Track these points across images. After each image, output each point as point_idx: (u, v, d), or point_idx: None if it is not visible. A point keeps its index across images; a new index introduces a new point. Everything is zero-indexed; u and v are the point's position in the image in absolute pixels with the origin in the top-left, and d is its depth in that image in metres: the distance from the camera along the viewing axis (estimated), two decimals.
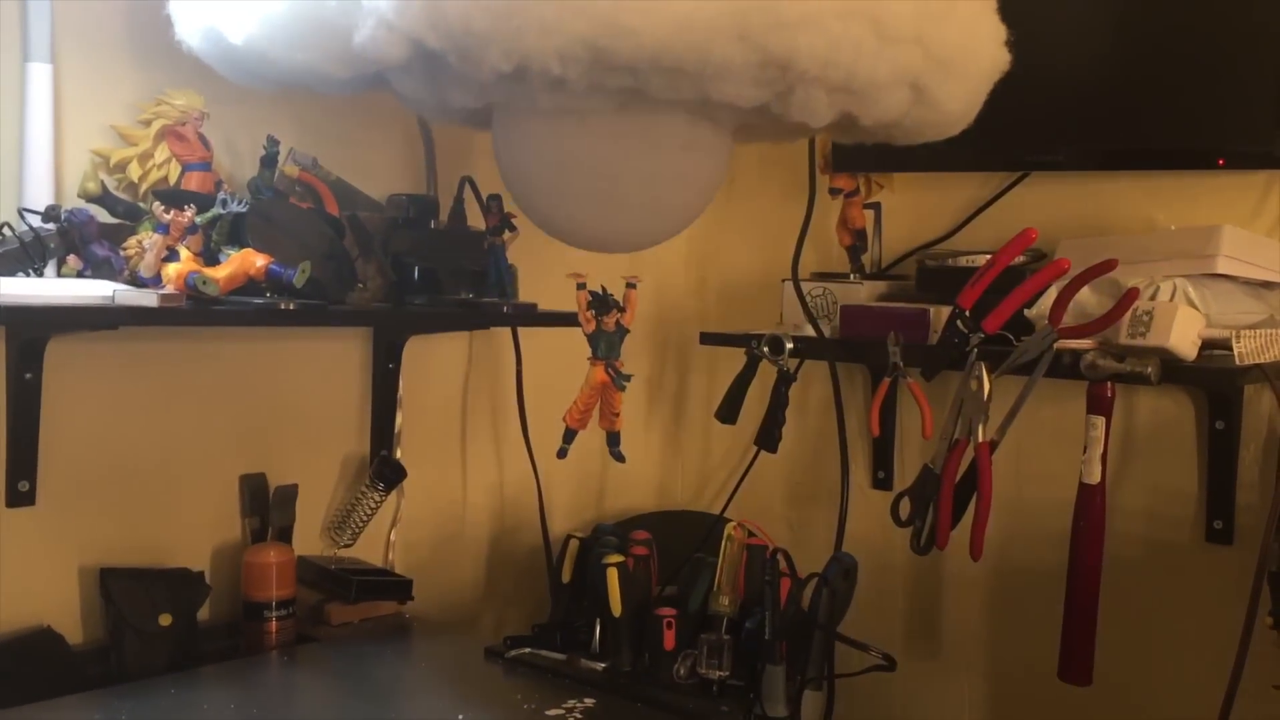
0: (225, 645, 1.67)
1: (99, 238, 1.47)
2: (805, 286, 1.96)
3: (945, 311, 1.70)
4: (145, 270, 1.45)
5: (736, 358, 1.86)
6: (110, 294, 1.38)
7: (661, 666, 1.65)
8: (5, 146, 1.49)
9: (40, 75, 1.50)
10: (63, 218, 1.44)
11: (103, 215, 1.50)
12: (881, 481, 2.07)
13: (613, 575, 1.67)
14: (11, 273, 1.40)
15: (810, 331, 1.92)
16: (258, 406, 1.77)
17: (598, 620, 1.71)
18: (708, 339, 2.07)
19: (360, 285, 1.63)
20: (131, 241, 1.48)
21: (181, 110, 1.56)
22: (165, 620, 1.56)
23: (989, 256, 1.68)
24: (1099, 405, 1.57)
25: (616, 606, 1.66)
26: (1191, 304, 1.54)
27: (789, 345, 1.81)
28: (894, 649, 1.66)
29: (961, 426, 1.63)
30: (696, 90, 1.28)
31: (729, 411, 1.84)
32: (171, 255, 1.44)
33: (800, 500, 2.20)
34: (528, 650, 1.70)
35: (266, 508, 1.73)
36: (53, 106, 1.51)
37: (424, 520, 1.98)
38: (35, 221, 1.43)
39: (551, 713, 1.50)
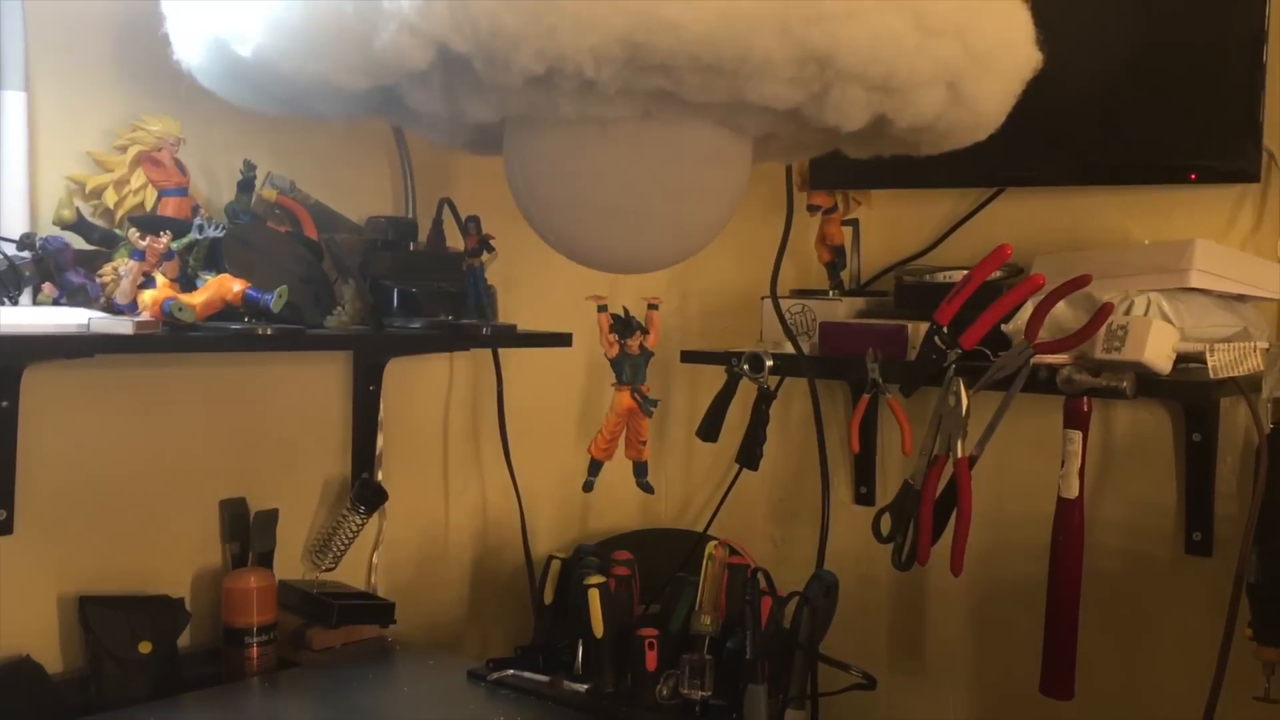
0: (206, 672, 1.66)
1: (74, 265, 1.46)
2: (784, 304, 1.97)
3: (923, 327, 1.71)
4: (121, 297, 1.44)
5: (717, 376, 1.86)
6: (85, 322, 1.37)
7: (644, 687, 1.64)
8: None
9: (14, 103, 1.49)
10: (38, 245, 1.43)
11: (78, 242, 1.49)
12: (864, 497, 2.08)
13: (594, 596, 1.67)
14: None
15: (790, 349, 1.93)
16: (238, 431, 1.76)
17: (580, 641, 1.70)
18: (688, 357, 2.07)
19: (339, 308, 1.62)
20: (107, 268, 1.48)
21: (157, 135, 1.55)
22: (145, 648, 1.55)
23: (966, 272, 1.69)
24: (1076, 420, 1.58)
25: (598, 627, 1.66)
26: (1166, 318, 1.55)
27: (769, 363, 1.81)
28: (877, 664, 1.67)
29: (941, 442, 1.63)
30: (731, 91, 1.24)
31: (710, 430, 1.84)
32: (148, 281, 1.43)
33: (783, 517, 2.20)
34: (510, 673, 1.69)
35: (247, 533, 1.72)
36: (27, 133, 1.50)
37: (406, 542, 1.98)
38: (10, 249, 1.42)
39: None
